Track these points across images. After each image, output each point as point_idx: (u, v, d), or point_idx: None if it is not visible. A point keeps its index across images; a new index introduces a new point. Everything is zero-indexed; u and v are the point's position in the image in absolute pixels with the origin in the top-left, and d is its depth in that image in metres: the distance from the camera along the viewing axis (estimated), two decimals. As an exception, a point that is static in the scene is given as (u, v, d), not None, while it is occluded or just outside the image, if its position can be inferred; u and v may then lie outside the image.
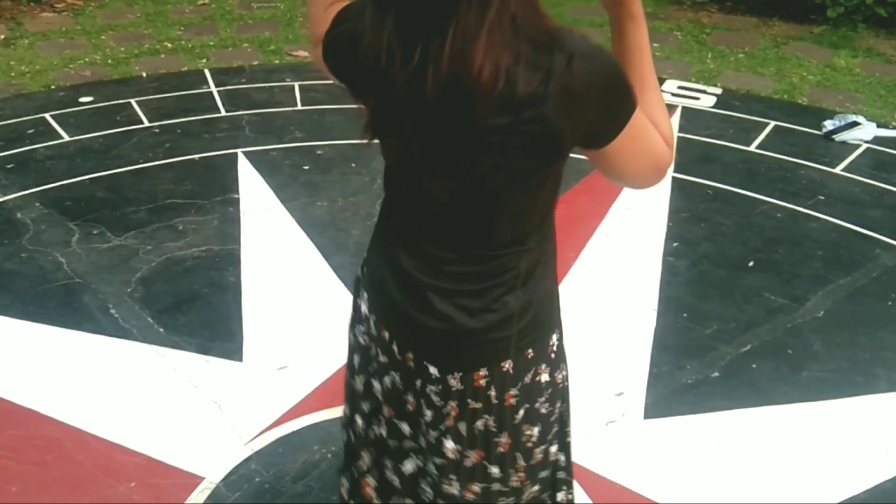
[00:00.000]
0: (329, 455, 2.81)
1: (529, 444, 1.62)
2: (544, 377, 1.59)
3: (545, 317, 1.58)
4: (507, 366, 1.53)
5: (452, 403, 1.56)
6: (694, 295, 3.65)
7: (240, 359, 3.25)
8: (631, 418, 3.01)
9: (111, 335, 3.35)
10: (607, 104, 1.32)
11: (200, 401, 3.05)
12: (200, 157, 4.72)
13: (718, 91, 5.60)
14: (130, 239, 3.97)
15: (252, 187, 4.40)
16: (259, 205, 4.26)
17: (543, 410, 1.61)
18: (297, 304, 3.56)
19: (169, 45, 6.35)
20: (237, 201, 4.28)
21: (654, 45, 5.84)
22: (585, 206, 4.14)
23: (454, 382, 1.54)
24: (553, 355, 1.60)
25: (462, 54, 1.23)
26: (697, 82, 5.76)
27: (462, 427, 1.58)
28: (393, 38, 1.28)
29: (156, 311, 3.49)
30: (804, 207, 4.28)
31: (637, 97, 1.35)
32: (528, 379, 1.56)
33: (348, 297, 3.44)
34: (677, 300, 3.61)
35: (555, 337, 1.61)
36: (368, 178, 4.47)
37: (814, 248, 3.98)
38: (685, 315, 3.52)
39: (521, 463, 1.63)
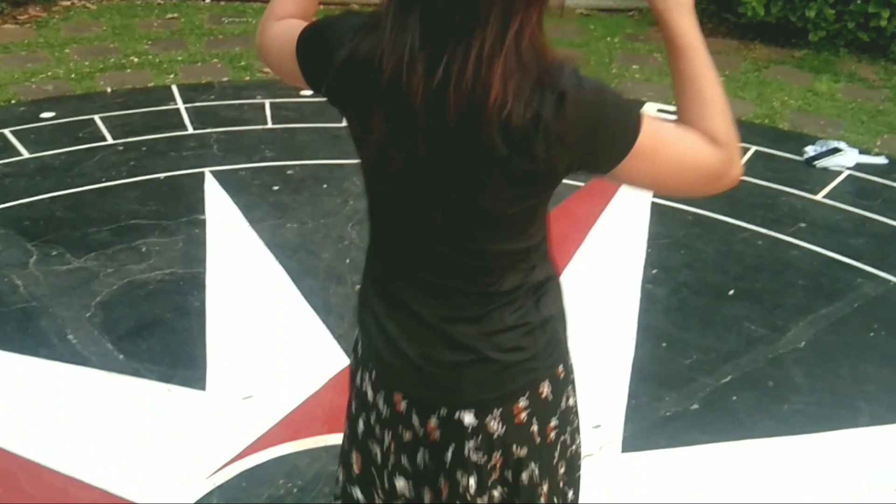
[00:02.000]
0: (295, 490, 2.76)
1: (561, 485, 1.64)
2: (572, 400, 1.61)
3: (563, 334, 1.58)
4: (545, 390, 1.52)
5: (496, 454, 1.53)
6: (673, 324, 3.61)
7: (203, 387, 3.19)
8: (608, 452, 2.97)
9: (68, 362, 3.27)
10: (599, 140, 1.31)
11: (161, 431, 2.98)
12: (166, 177, 4.64)
13: (697, 114, 5.55)
14: (91, 261, 3.89)
15: (219, 208, 4.33)
16: (226, 226, 4.18)
17: (569, 442, 1.62)
18: (264, 331, 3.49)
19: (135, 59, 6.25)
20: (203, 222, 4.20)
21: (634, 66, 5.88)
22: (562, 231, 4.08)
23: (494, 425, 1.50)
24: (573, 376, 1.62)
25: (479, 74, 1.22)
26: (678, 105, 5.71)
27: (508, 474, 1.55)
28: (416, 51, 1.24)
29: (116, 336, 3.42)
30: (786, 235, 4.24)
31: (644, 120, 1.32)
32: (563, 404, 1.57)
33: (318, 323, 3.45)
34: (656, 329, 3.56)
35: (570, 358, 1.61)
36: (340, 200, 4.37)
37: (795, 276, 3.94)
38: (664, 344, 3.48)
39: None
